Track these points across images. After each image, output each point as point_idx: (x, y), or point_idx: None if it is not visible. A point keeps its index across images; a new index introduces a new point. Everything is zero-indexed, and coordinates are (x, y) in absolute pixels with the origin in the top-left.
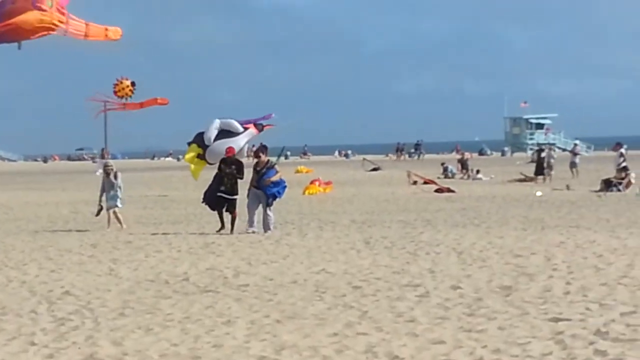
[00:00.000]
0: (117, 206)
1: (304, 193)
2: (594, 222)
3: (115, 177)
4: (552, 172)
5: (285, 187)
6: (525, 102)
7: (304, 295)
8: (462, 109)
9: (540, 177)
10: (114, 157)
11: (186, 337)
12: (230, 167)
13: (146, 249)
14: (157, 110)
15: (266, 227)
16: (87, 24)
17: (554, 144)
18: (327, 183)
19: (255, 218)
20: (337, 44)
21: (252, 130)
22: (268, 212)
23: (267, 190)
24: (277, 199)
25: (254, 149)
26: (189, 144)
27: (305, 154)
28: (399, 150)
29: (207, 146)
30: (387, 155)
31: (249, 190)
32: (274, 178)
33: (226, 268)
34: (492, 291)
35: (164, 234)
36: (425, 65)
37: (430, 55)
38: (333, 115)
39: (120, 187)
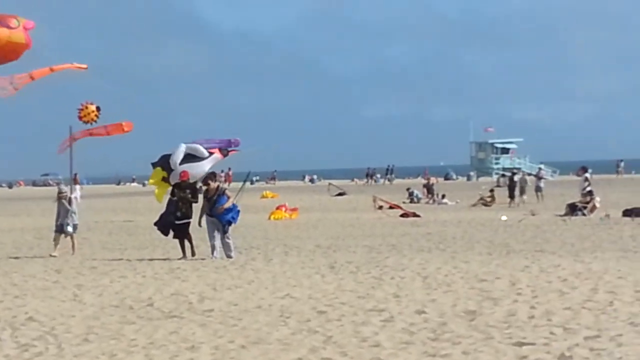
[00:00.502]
0: (70, 232)
1: (269, 218)
2: (559, 247)
3: (70, 203)
4: (525, 197)
5: (238, 211)
6: (490, 127)
7: (268, 321)
8: (428, 134)
9: (510, 200)
10: (80, 183)
11: None
12: (184, 191)
13: (111, 275)
14: (122, 135)
15: (227, 253)
16: (50, 68)
17: (519, 169)
18: (294, 209)
19: (217, 244)
20: (303, 70)
21: (217, 155)
22: (226, 239)
23: (221, 218)
24: (232, 225)
25: (229, 172)
26: (153, 165)
27: (272, 179)
28: (368, 175)
29: (172, 170)
30: (352, 180)
31: (200, 217)
32: (227, 205)
33: (191, 293)
34: (457, 316)
35: (128, 259)
36: (390, 90)
37: (395, 80)
38: (299, 141)
39: (75, 213)
